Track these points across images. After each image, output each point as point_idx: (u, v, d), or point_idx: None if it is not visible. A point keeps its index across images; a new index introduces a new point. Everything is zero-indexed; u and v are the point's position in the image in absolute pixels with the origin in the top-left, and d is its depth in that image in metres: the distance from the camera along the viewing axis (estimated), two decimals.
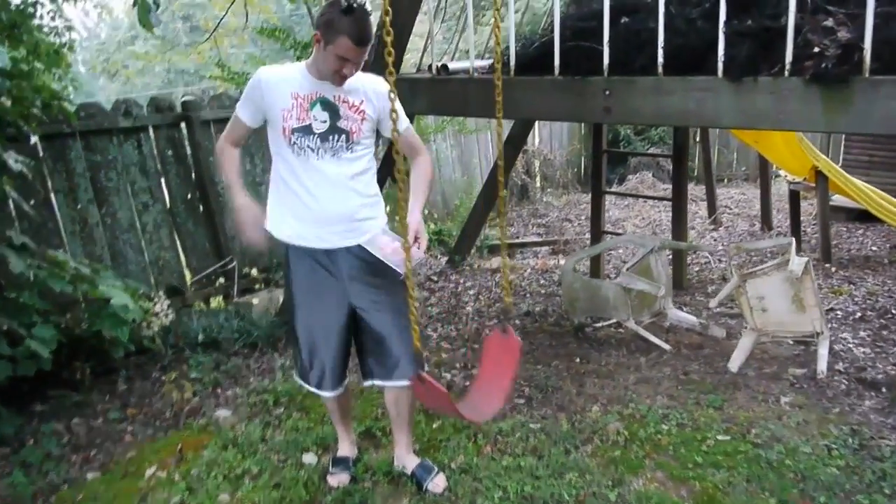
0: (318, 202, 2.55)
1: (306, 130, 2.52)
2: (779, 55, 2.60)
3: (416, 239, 2.51)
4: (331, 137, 2.55)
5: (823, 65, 2.47)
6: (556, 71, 3.17)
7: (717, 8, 2.67)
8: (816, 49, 2.50)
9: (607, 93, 3.02)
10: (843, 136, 7.77)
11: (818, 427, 3.13)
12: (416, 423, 3.36)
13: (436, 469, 2.93)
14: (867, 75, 2.42)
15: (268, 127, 2.61)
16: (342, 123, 2.54)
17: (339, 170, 2.56)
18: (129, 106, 4.88)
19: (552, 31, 3.21)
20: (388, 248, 2.59)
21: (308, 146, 2.53)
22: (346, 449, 3.10)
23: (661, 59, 2.85)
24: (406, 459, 2.98)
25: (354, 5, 2.34)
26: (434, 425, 3.37)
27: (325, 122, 2.53)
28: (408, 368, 2.61)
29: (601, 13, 2.97)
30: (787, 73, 2.58)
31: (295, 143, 2.52)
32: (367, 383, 2.82)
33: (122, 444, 3.46)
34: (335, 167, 2.56)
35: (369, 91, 2.57)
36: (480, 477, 2.90)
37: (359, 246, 2.61)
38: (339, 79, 2.46)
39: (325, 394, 2.81)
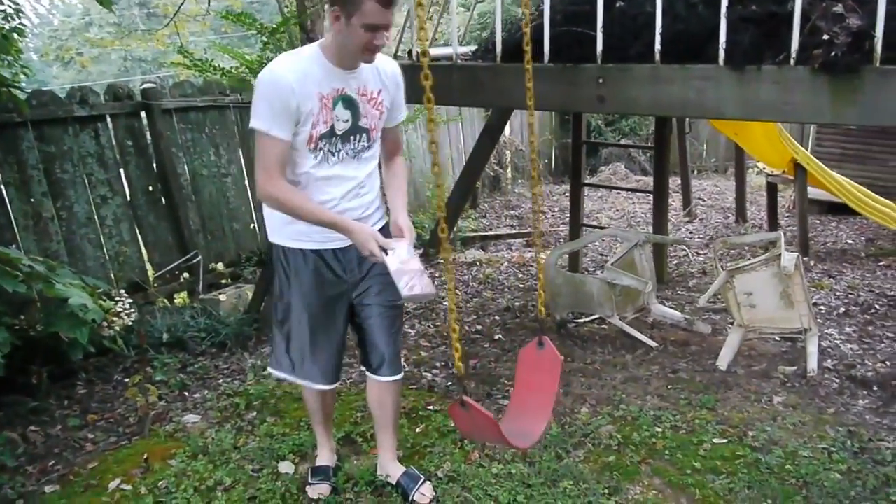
0: (331, 204, 2.35)
1: (330, 133, 2.29)
2: (784, 43, 2.48)
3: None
4: (352, 138, 2.34)
5: (833, 53, 2.35)
6: (546, 58, 3.01)
7: None
8: (825, 37, 2.38)
9: (601, 81, 2.88)
10: (814, 128, 7.79)
11: (815, 429, 3.05)
12: (399, 428, 3.20)
13: (422, 478, 2.76)
14: (878, 65, 2.31)
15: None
16: (363, 122, 2.33)
17: (358, 171, 2.37)
18: (85, 94, 4.62)
19: (541, 16, 3.05)
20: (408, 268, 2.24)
21: (329, 150, 2.30)
22: (325, 457, 2.92)
23: (658, 46, 2.71)
24: (390, 467, 2.81)
25: None
26: (417, 429, 3.22)
27: (346, 121, 2.31)
28: (394, 366, 2.61)
29: None
30: (792, 61, 2.46)
31: (320, 148, 2.28)
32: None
33: (82, 454, 3.24)
34: (354, 168, 2.37)
35: (384, 75, 2.36)
36: (469, 486, 2.75)
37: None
38: (370, 53, 2.19)
39: (324, 386, 2.65)
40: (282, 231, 2.45)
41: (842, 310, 4.41)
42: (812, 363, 3.55)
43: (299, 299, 2.51)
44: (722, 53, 2.58)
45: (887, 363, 3.65)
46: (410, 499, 2.69)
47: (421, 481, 2.74)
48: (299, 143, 2.25)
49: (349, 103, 2.29)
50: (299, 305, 2.51)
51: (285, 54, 2.31)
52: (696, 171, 9.78)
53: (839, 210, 6.40)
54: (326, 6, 2.42)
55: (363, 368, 2.72)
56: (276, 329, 2.63)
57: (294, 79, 2.16)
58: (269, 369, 2.75)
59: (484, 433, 2.11)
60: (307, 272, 2.46)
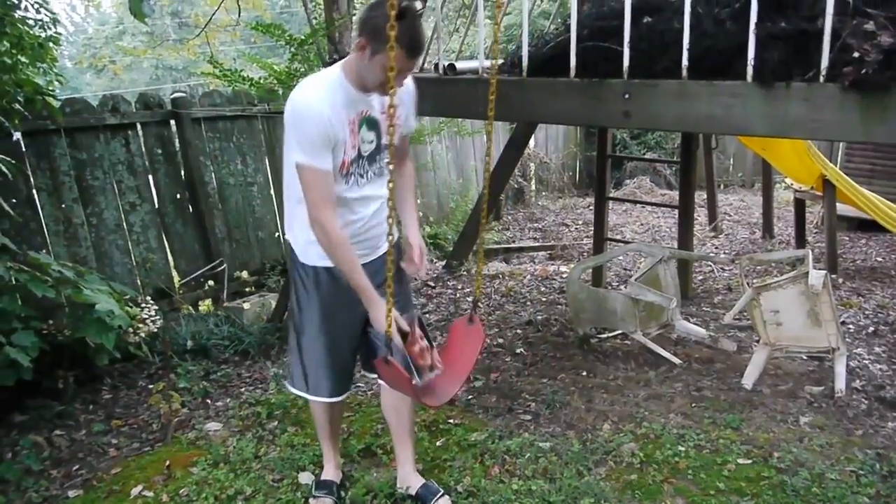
0: (361, 223, 2.39)
1: (358, 156, 2.30)
2: (813, 60, 2.44)
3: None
4: (377, 158, 2.37)
5: (863, 70, 2.31)
6: (573, 73, 3.00)
7: (748, 8, 2.52)
8: (856, 54, 2.34)
9: (627, 96, 2.85)
10: (843, 144, 7.68)
11: (842, 451, 2.99)
12: (419, 441, 3.20)
13: (441, 491, 2.75)
14: None
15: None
16: (385, 139, 2.32)
17: (383, 188, 2.27)
18: (117, 102, 4.70)
19: (567, 31, 3.04)
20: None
21: (358, 173, 2.32)
22: (331, 472, 2.91)
23: (685, 62, 2.69)
24: (410, 479, 2.80)
25: (406, 8, 2.03)
26: (437, 443, 3.21)
27: (371, 142, 2.32)
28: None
29: (622, 12, 2.81)
30: (822, 78, 2.42)
31: (351, 173, 2.30)
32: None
33: (106, 459, 3.28)
34: (380, 187, 2.37)
35: (402, 90, 2.32)
36: (489, 501, 2.73)
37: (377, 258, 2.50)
38: (385, 92, 2.13)
39: (334, 399, 2.64)
40: (307, 251, 2.44)
41: (871, 329, 4.33)
42: (840, 383, 3.49)
43: (317, 312, 2.50)
44: (750, 70, 2.55)
45: None
46: None
47: (440, 494, 2.73)
48: (333, 169, 2.25)
49: (373, 124, 2.31)
50: (317, 319, 2.51)
51: (312, 81, 2.28)
52: (722, 186, 9.68)
53: (869, 227, 6.30)
54: (354, 32, 2.42)
55: (375, 376, 2.72)
56: (292, 342, 2.63)
57: (329, 110, 2.17)
58: (286, 384, 2.75)
59: (401, 387, 2.38)
60: (327, 286, 2.46)
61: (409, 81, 2.41)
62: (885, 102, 2.33)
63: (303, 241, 2.43)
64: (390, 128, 2.01)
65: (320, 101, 2.18)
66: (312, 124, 2.15)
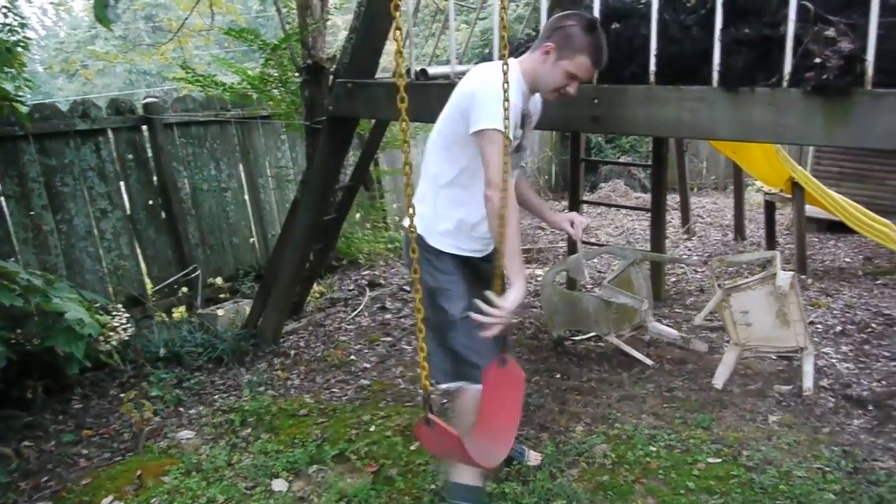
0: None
1: (514, 149, 2.40)
2: (777, 65, 2.50)
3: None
4: (517, 155, 2.49)
5: (825, 76, 2.36)
6: None
7: (714, 15, 2.56)
8: (817, 60, 2.39)
9: (596, 101, 2.89)
10: (812, 147, 7.80)
11: (809, 448, 3.04)
12: (393, 446, 3.21)
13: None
14: (869, 88, 2.33)
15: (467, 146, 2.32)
16: (525, 140, 2.50)
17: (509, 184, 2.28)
18: (87, 107, 4.65)
19: (537, 37, 3.07)
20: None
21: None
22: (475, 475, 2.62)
23: (653, 68, 2.73)
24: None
25: (596, 22, 2.28)
26: (412, 447, 3.21)
27: (517, 138, 2.43)
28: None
29: None
30: (785, 83, 2.47)
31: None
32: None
33: (75, 470, 3.24)
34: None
35: (537, 100, 2.53)
36: None
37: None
38: (557, 96, 2.41)
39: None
40: (448, 240, 2.46)
41: (839, 328, 4.40)
42: (808, 382, 3.55)
43: (455, 293, 2.42)
44: (716, 75, 2.60)
45: (883, 382, 3.64)
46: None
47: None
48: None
49: (523, 122, 2.45)
50: (458, 298, 2.41)
51: (496, 66, 2.20)
52: (695, 189, 9.79)
53: (838, 228, 6.40)
54: (543, 35, 2.41)
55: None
56: (434, 341, 2.43)
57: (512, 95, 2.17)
58: (436, 383, 2.50)
59: (449, 452, 2.08)
60: (457, 266, 2.47)
61: (539, 97, 2.54)
62: (846, 107, 2.38)
63: (451, 231, 2.45)
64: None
65: (500, 79, 2.11)
66: (498, 99, 2.11)
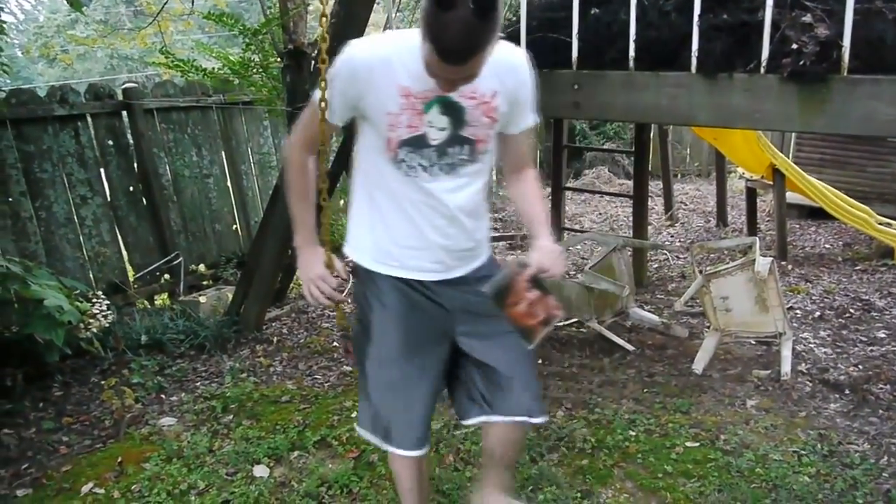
0: (424, 232, 1.90)
1: (419, 142, 1.80)
2: (755, 51, 2.52)
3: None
4: (450, 150, 1.83)
5: (801, 62, 2.39)
6: None
7: (692, 1, 2.57)
8: (794, 46, 2.41)
9: (576, 87, 2.90)
10: (794, 134, 7.85)
11: (786, 432, 3.08)
12: None
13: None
14: (845, 74, 2.35)
15: (361, 130, 1.88)
16: (467, 131, 1.82)
17: (455, 193, 1.87)
18: (66, 93, 4.60)
19: (517, 22, 3.07)
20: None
21: (419, 164, 1.82)
22: None
23: (632, 53, 2.74)
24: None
25: None
26: None
27: (443, 129, 1.80)
28: (532, 404, 2.05)
29: (570, 3, 2.84)
30: (763, 69, 2.49)
31: (403, 160, 1.81)
32: (472, 421, 2.10)
33: (56, 457, 3.22)
34: (450, 189, 1.87)
35: (503, 72, 1.79)
36: (444, 489, 2.76)
37: (463, 277, 1.99)
38: (446, 87, 1.68)
39: (407, 452, 2.07)
40: (364, 254, 2.00)
41: (817, 314, 4.45)
42: (786, 367, 3.59)
43: (388, 331, 1.99)
44: (694, 61, 2.62)
45: (859, 367, 3.69)
46: None
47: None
48: (374, 144, 1.85)
49: (449, 108, 1.78)
50: (384, 337, 2.01)
51: (392, 32, 1.93)
52: (679, 176, 9.82)
53: (818, 214, 6.45)
54: None
55: (479, 417, 2.08)
56: (360, 369, 2.11)
57: (366, 61, 1.74)
58: (356, 426, 2.22)
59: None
60: (394, 297, 1.98)
61: (518, 62, 1.85)
62: (823, 93, 2.41)
63: (361, 242, 2.01)
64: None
65: (362, 50, 1.75)
66: (339, 65, 1.76)
